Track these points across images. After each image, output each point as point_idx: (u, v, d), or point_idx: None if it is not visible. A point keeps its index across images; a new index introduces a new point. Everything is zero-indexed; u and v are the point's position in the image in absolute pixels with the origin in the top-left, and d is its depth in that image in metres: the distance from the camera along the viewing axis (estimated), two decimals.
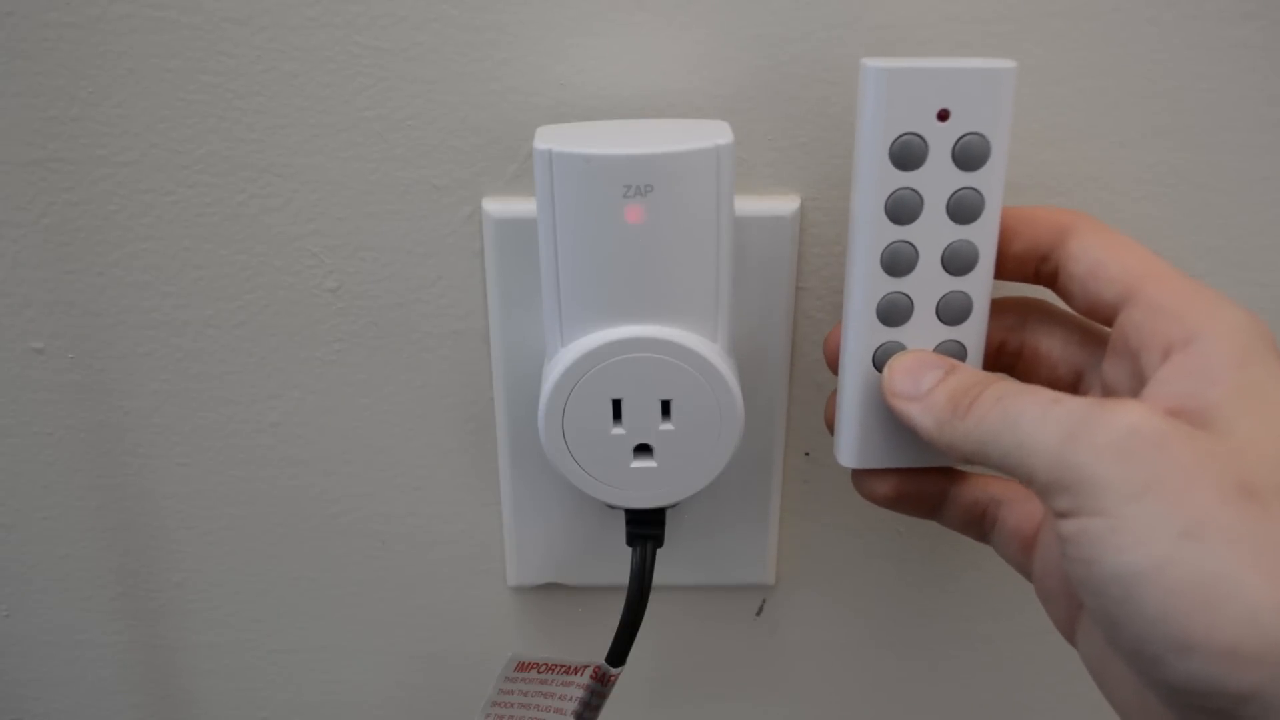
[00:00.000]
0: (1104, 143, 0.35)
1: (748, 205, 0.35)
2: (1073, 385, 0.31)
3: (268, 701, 0.47)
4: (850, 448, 0.32)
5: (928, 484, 0.32)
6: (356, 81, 0.34)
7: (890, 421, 0.31)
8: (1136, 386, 0.26)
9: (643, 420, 0.33)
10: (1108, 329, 0.29)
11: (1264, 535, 0.22)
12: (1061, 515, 0.24)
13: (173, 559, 0.43)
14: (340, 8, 0.33)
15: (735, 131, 0.31)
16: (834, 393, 0.33)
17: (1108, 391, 0.29)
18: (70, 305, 0.38)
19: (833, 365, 0.33)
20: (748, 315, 0.36)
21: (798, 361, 0.38)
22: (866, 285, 0.30)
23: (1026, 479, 0.25)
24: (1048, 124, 0.34)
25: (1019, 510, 0.31)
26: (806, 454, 0.40)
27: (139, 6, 0.33)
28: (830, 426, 0.33)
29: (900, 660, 0.45)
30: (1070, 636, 0.29)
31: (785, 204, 0.35)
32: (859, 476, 0.33)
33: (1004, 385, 0.27)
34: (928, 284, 0.30)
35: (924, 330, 0.30)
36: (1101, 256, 0.28)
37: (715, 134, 0.30)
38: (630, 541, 0.36)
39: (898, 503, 0.33)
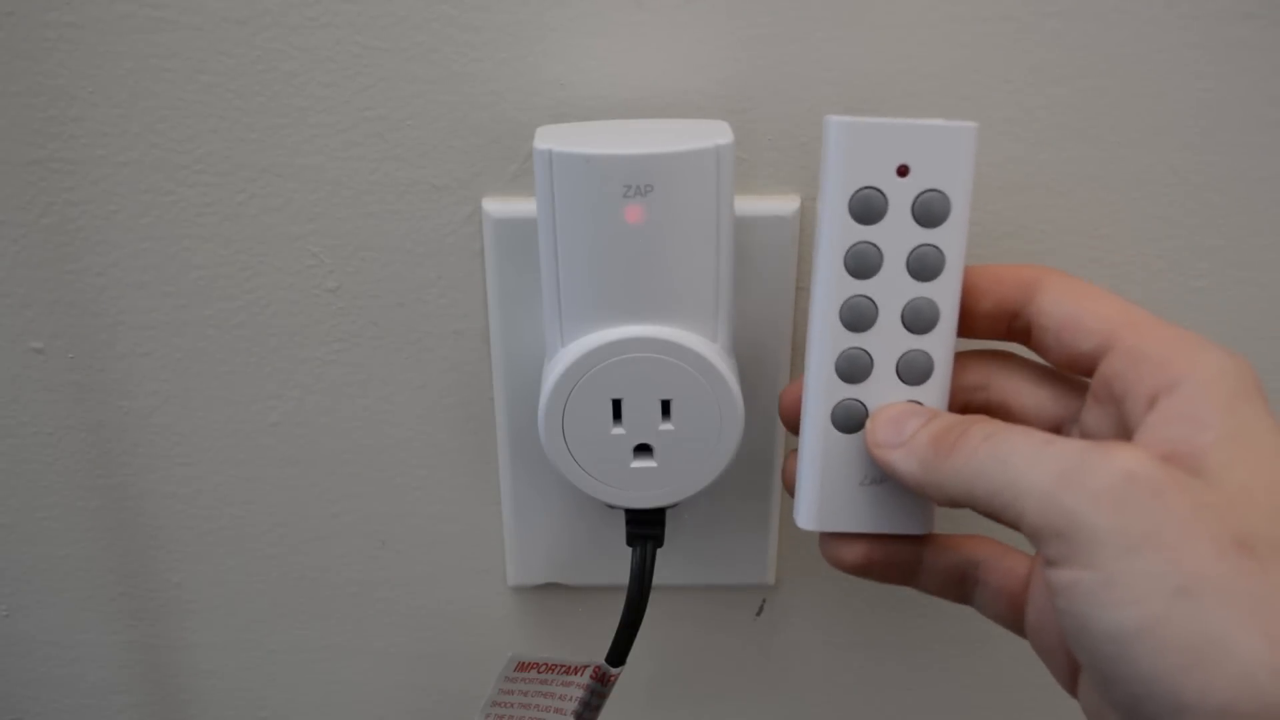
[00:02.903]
0: (1104, 143, 0.35)
1: (748, 205, 0.35)
2: None
3: (268, 701, 0.47)
4: (809, 509, 0.31)
5: (900, 550, 0.31)
6: (356, 81, 0.34)
7: (853, 482, 0.30)
8: (1122, 435, 0.26)
9: (643, 420, 0.33)
10: (1079, 378, 0.29)
11: (1259, 592, 0.21)
12: (1052, 563, 0.23)
13: (173, 559, 0.43)
14: (340, 8, 0.33)
15: (735, 131, 0.31)
16: (792, 452, 0.32)
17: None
18: (70, 305, 0.38)
19: (786, 421, 0.32)
20: (748, 315, 0.36)
21: (798, 361, 0.38)
22: (826, 337, 0.29)
23: (1015, 520, 0.24)
24: (1048, 123, 0.34)
25: (1001, 568, 0.30)
26: None
27: (139, 6, 0.33)
28: (790, 487, 0.32)
29: (900, 660, 0.45)
30: (1071, 689, 0.28)
31: (785, 204, 0.35)
32: (826, 543, 0.32)
33: (991, 423, 0.26)
34: (888, 341, 0.29)
35: (884, 388, 0.30)
36: (1074, 309, 0.28)
37: (715, 134, 0.30)
38: (630, 541, 0.36)
39: (868, 570, 0.31)
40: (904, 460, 0.28)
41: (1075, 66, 0.34)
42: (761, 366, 0.37)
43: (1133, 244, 0.36)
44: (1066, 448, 0.24)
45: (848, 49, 0.33)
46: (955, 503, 0.26)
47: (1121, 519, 0.22)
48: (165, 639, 0.45)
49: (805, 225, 0.36)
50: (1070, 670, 0.28)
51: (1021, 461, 0.24)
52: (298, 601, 0.44)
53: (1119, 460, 0.23)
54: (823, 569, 0.42)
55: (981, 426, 0.26)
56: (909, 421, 0.28)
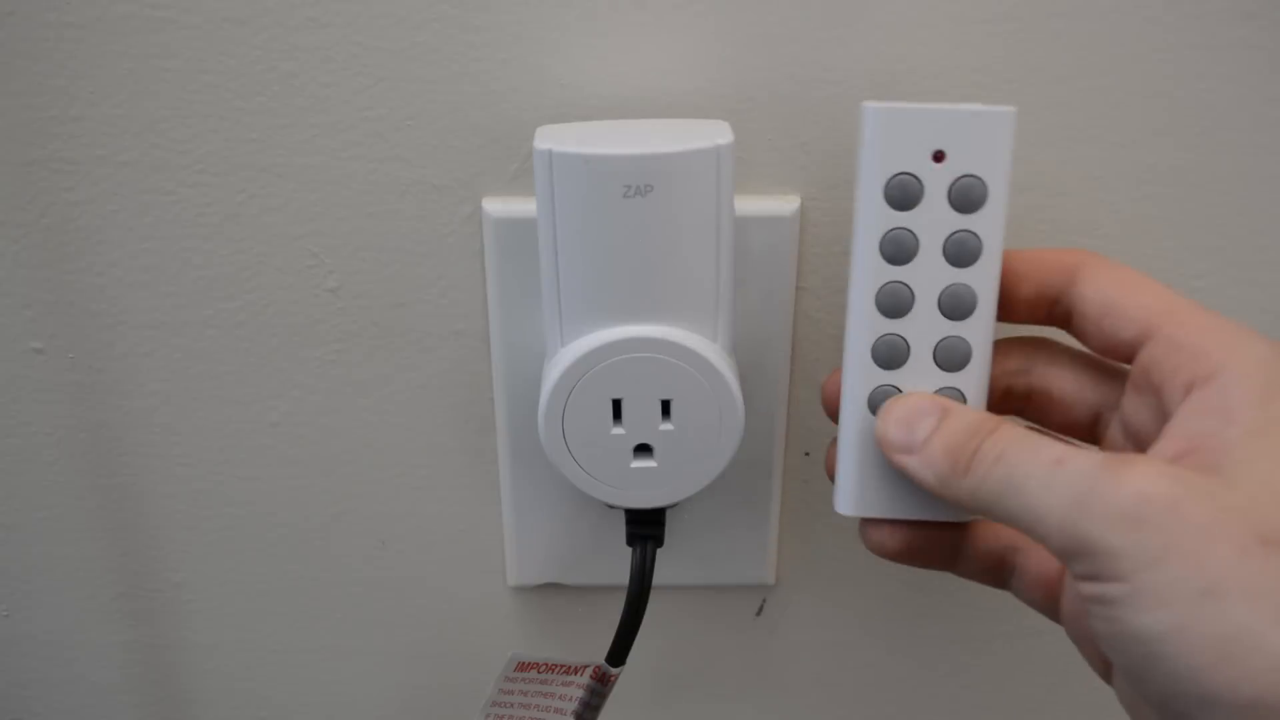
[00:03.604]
0: (1104, 143, 0.35)
1: (748, 205, 0.35)
2: (1090, 425, 0.30)
3: (267, 701, 0.47)
4: (848, 495, 0.31)
5: (939, 536, 0.31)
6: (356, 81, 0.34)
7: (890, 469, 0.30)
8: (1159, 423, 0.26)
9: (643, 420, 0.33)
10: (1121, 365, 0.29)
11: None
12: (1080, 578, 0.24)
13: (173, 559, 0.43)
14: (340, 8, 0.33)
15: (735, 131, 0.31)
16: (833, 441, 0.32)
17: (1128, 429, 0.28)
18: (70, 305, 0.38)
19: (828, 410, 0.32)
20: (748, 315, 0.36)
21: (798, 361, 0.38)
22: (862, 324, 0.29)
23: (1039, 540, 0.25)
24: (1048, 123, 0.34)
25: (1037, 556, 0.30)
26: (806, 454, 0.40)
27: (139, 6, 0.33)
28: (831, 474, 0.32)
29: (900, 660, 0.45)
30: (1105, 677, 0.28)
31: (785, 204, 0.35)
32: (866, 529, 0.32)
33: (1002, 438, 0.26)
34: (925, 327, 0.29)
35: (921, 375, 0.30)
36: (1115, 296, 0.27)
37: (715, 134, 0.30)
38: (630, 541, 0.36)
39: (909, 556, 0.32)
40: (919, 470, 0.28)
41: (1075, 66, 0.34)
42: (761, 366, 0.37)
43: (1133, 244, 0.36)
44: (1078, 469, 0.24)
45: (848, 49, 0.33)
46: (977, 515, 0.27)
47: (1139, 537, 0.23)
48: (166, 639, 0.45)
49: (805, 225, 0.36)
50: (1104, 661, 0.28)
51: (1035, 487, 0.24)
52: (298, 601, 0.44)
53: (1131, 481, 0.23)
54: (823, 569, 0.42)
55: (992, 442, 0.26)
56: (920, 422, 0.28)
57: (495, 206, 0.35)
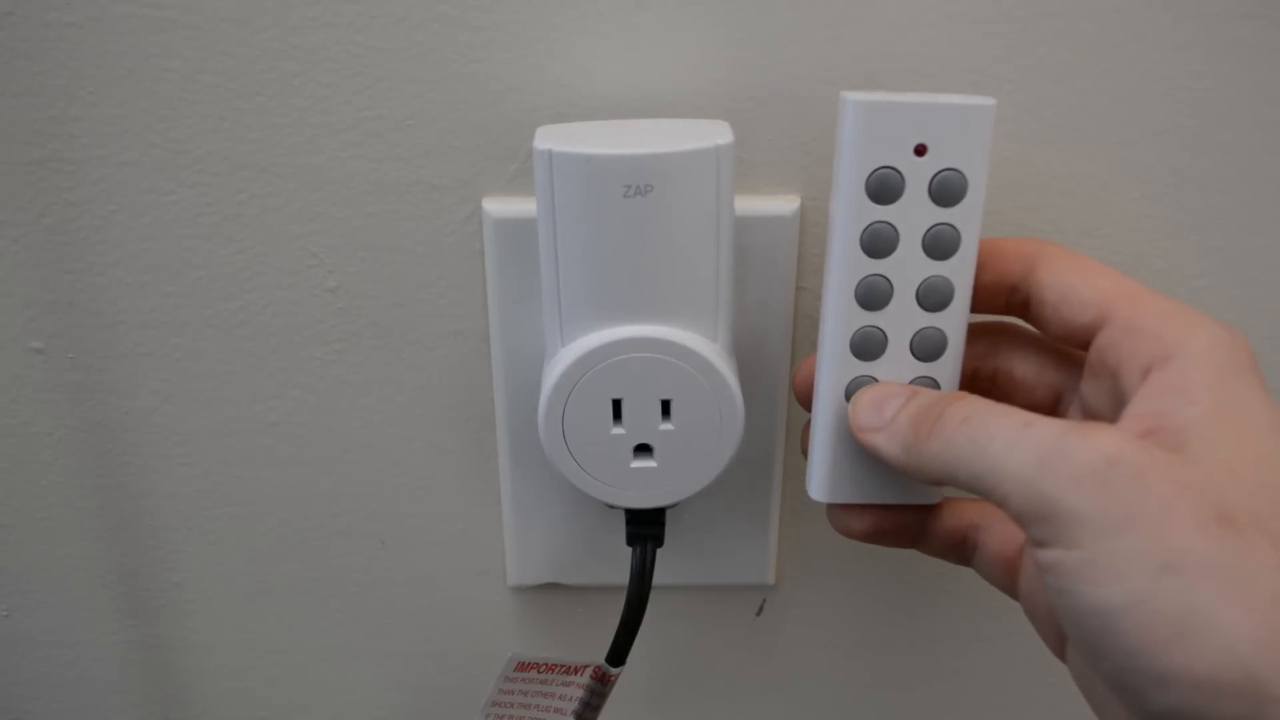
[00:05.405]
0: (1104, 143, 0.35)
1: (748, 205, 0.35)
2: (1051, 407, 0.31)
3: (267, 701, 0.47)
4: (822, 482, 0.31)
5: (904, 516, 0.32)
6: (356, 81, 0.34)
7: (863, 456, 0.31)
8: (1117, 407, 0.26)
9: (643, 420, 0.33)
10: (1078, 352, 0.29)
11: (1241, 565, 0.22)
12: (1038, 544, 0.24)
13: (173, 559, 0.43)
14: (340, 8, 0.33)
15: (735, 131, 0.31)
16: (807, 423, 0.32)
17: (1087, 413, 0.28)
18: (70, 305, 0.38)
19: (800, 399, 0.33)
20: (748, 315, 0.36)
21: (798, 362, 0.38)
22: (840, 317, 0.29)
23: (1000, 503, 0.25)
24: (1048, 124, 0.34)
25: (999, 533, 0.31)
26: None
27: (139, 6, 0.33)
28: (806, 455, 0.33)
29: (900, 660, 0.45)
30: (1060, 655, 0.29)
31: (785, 204, 0.35)
32: (834, 513, 0.32)
33: (969, 404, 0.26)
34: (903, 319, 0.29)
35: (898, 365, 0.30)
36: (1073, 281, 0.28)
37: (715, 134, 0.30)
38: (630, 541, 0.36)
39: (876, 537, 0.32)
40: (886, 444, 0.28)
41: (1075, 66, 0.34)
42: (761, 366, 0.37)
43: (1133, 244, 0.36)
44: (1045, 431, 0.24)
45: (847, 49, 0.33)
46: (939, 483, 0.27)
47: (1102, 501, 0.23)
48: (165, 639, 0.45)
49: (805, 225, 0.36)
50: (1059, 637, 0.28)
51: (1000, 447, 0.24)
52: (298, 601, 0.44)
53: (1098, 444, 0.23)
54: (823, 569, 0.42)
55: (959, 407, 0.26)
56: (889, 403, 0.29)
57: (495, 206, 0.35)
